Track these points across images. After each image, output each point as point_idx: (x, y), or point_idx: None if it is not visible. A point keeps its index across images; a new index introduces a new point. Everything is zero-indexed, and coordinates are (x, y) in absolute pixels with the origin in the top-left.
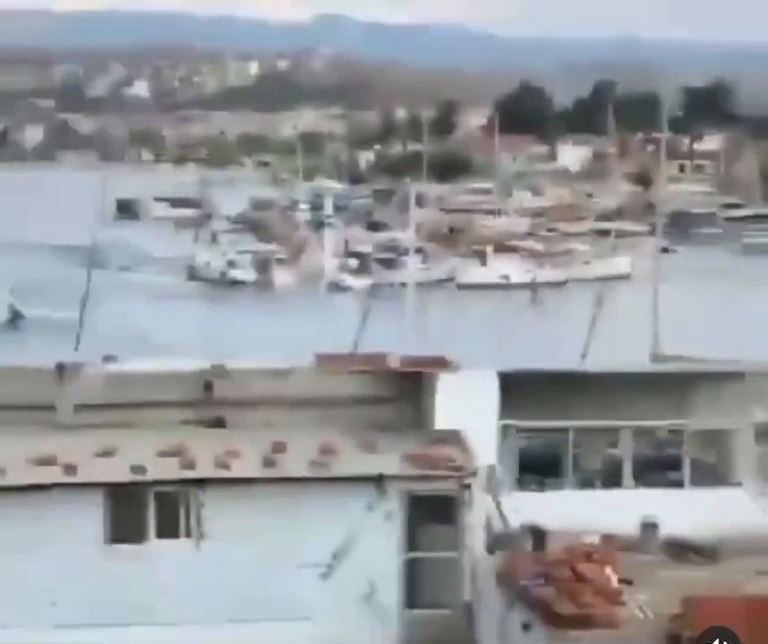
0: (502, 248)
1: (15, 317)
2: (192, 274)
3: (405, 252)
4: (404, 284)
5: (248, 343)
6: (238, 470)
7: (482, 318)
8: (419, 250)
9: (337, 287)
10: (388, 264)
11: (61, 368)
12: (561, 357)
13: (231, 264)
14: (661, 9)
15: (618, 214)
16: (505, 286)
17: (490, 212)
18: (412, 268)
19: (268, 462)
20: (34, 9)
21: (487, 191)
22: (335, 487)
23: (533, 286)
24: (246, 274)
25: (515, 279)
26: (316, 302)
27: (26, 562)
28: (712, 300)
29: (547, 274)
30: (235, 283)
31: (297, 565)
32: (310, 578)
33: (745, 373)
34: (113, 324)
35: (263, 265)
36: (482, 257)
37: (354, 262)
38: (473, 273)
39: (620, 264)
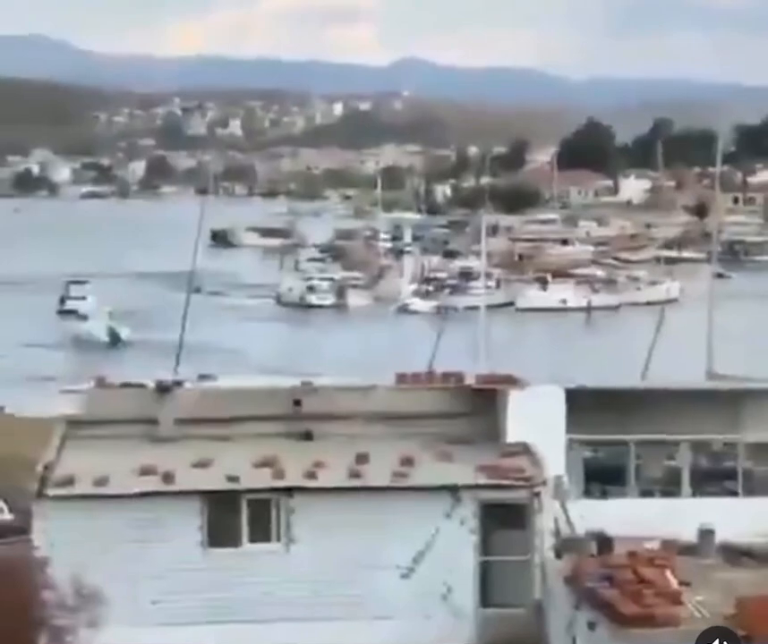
0: (563, 274)
1: (114, 339)
2: (279, 298)
3: (477, 278)
4: (469, 308)
5: (324, 359)
6: (325, 479)
7: (543, 337)
8: (489, 276)
9: (405, 310)
10: (460, 289)
11: (161, 386)
12: (616, 374)
13: (310, 289)
14: (715, 53)
15: (676, 243)
16: (562, 309)
17: (557, 241)
18: (483, 293)
19: (353, 473)
20: (137, 54)
21: (553, 222)
22: (414, 496)
23: (588, 310)
24: (323, 298)
25: (571, 303)
26: (386, 324)
27: (130, 564)
28: (762, 322)
29: (601, 298)
30: (315, 306)
31: (380, 568)
32: (391, 579)
33: None
34: (207, 343)
35: (340, 290)
36: (543, 282)
37: (429, 287)
38: (535, 297)
39: (669, 289)
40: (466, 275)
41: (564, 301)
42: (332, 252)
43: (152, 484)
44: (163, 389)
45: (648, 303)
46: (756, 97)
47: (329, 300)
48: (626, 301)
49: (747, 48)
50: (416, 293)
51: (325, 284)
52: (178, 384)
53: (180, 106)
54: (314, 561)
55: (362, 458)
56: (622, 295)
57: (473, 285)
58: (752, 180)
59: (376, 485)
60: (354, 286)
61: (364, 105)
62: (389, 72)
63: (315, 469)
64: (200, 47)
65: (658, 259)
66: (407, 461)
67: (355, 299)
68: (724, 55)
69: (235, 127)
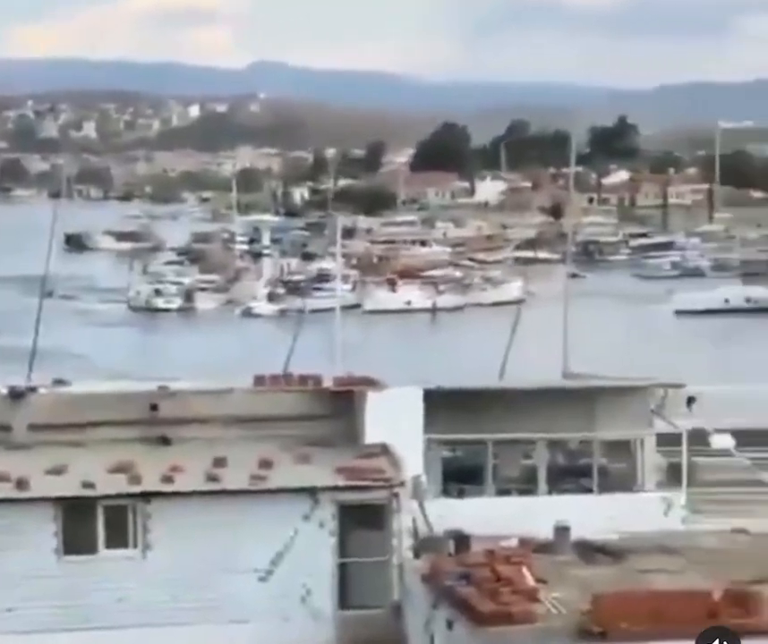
0: (410, 275)
1: None
2: (129, 302)
3: (334, 280)
4: (316, 311)
5: (172, 362)
6: (182, 484)
7: (390, 338)
8: (346, 278)
9: (249, 313)
10: (307, 291)
11: (14, 391)
12: (457, 372)
13: (157, 293)
14: (571, 57)
15: (532, 243)
16: (408, 311)
17: (415, 242)
18: (336, 295)
19: (210, 477)
20: None
21: (412, 224)
22: (272, 499)
23: (432, 311)
24: (169, 302)
25: (416, 305)
26: (233, 327)
27: None
28: (615, 320)
29: (446, 299)
30: (161, 310)
31: (237, 571)
32: (249, 582)
33: (647, 387)
34: (55, 348)
35: (188, 294)
36: (391, 284)
37: (278, 290)
38: (382, 299)
39: (513, 289)
40: (323, 277)
41: (409, 303)
42: (189, 255)
43: (5, 491)
44: (16, 395)
45: (494, 304)
46: (614, 99)
47: (176, 303)
48: (471, 302)
49: (607, 52)
50: (271, 296)
51: (173, 288)
52: (32, 389)
53: (32, 109)
54: (171, 565)
55: (219, 461)
56: (467, 296)
57: (327, 287)
58: (606, 181)
59: (234, 488)
60: (204, 289)
61: (221, 108)
62: (246, 74)
63: (172, 473)
64: (53, 50)
65: (517, 259)
66: (265, 464)
67: (204, 302)
68: (585, 59)
69: (90, 129)
